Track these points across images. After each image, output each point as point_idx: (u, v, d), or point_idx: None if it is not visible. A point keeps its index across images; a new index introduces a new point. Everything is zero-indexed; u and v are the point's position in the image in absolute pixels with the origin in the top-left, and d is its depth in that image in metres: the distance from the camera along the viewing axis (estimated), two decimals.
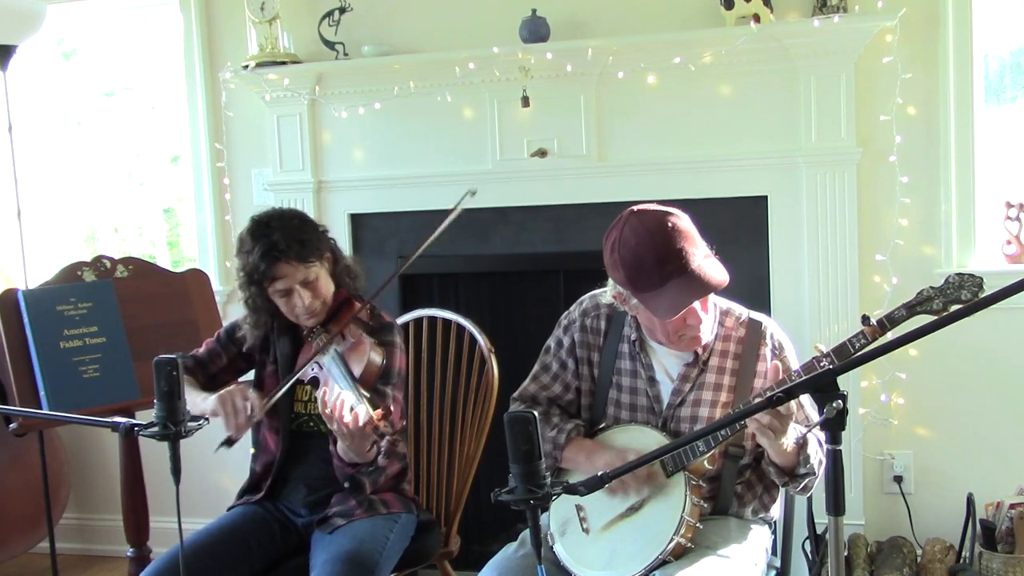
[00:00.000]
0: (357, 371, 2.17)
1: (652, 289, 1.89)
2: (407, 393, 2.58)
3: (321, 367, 2.22)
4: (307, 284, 2.25)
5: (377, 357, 2.22)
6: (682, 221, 1.94)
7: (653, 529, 1.91)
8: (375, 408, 2.01)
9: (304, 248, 2.23)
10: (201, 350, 2.47)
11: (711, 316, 2.01)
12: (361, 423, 1.98)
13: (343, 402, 2.01)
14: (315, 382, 2.24)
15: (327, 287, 2.32)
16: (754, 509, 2.08)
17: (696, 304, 1.92)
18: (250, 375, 2.48)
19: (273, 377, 2.37)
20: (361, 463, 2.18)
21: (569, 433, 2.08)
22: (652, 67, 3.05)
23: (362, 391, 2.11)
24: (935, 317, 1.75)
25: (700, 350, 2.03)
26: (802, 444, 1.88)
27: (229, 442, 2.17)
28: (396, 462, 2.38)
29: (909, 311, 1.80)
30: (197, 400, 2.21)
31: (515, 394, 2.22)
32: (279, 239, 2.21)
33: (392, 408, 2.07)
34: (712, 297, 2.02)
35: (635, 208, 1.96)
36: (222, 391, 2.19)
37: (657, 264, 1.88)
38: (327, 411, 2.02)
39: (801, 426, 1.91)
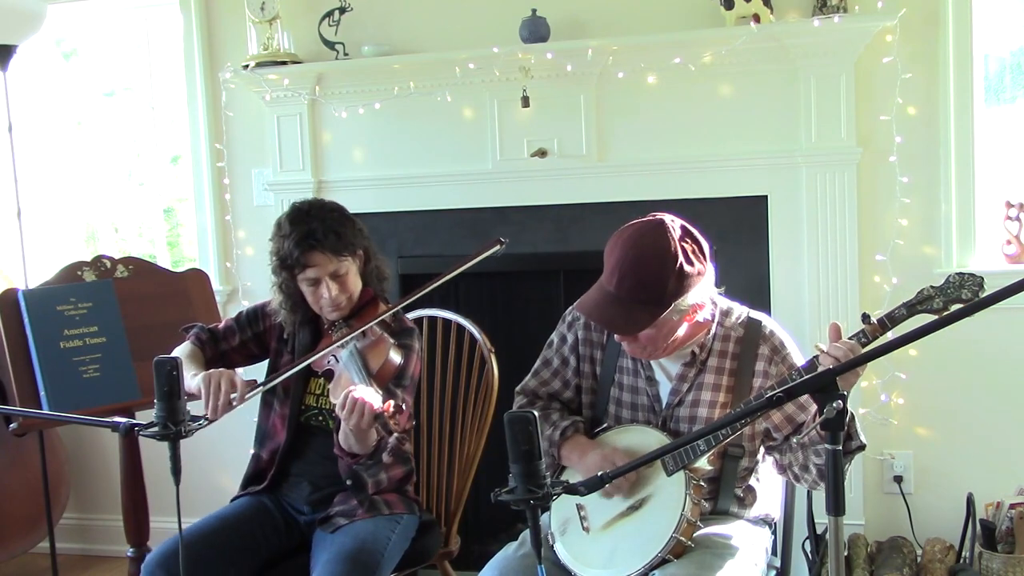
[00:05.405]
0: (375, 367, 2.17)
1: (602, 278, 1.95)
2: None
3: (338, 360, 2.23)
4: (336, 277, 2.27)
5: (396, 357, 2.23)
6: (666, 265, 1.87)
7: (653, 528, 1.91)
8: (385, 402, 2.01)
9: (339, 241, 2.25)
10: (220, 324, 2.48)
11: (647, 346, 1.98)
12: (376, 411, 1.97)
13: (362, 397, 2.00)
14: (329, 375, 2.26)
15: (355, 284, 2.33)
16: (755, 510, 2.08)
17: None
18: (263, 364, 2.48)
19: (289, 367, 2.37)
20: (360, 454, 2.17)
21: (565, 431, 2.08)
22: (652, 67, 3.05)
23: (376, 388, 2.11)
24: (935, 316, 1.76)
25: (698, 349, 2.03)
26: (850, 417, 1.81)
27: (205, 421, 2.13)
28: (401, 465, 2.38)
29: (910, 310, 1.80)
30: (187, 376, 2.17)
31: (518, 388, 2.24)
32: (316, 228, 2.23)
33: (402, 407, 2.08)
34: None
35: (668, 220, 1.93)
36: (210, 370, 2.17)
37: (611, 267, 1.92)
38: (344, 408, 2.00)
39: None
